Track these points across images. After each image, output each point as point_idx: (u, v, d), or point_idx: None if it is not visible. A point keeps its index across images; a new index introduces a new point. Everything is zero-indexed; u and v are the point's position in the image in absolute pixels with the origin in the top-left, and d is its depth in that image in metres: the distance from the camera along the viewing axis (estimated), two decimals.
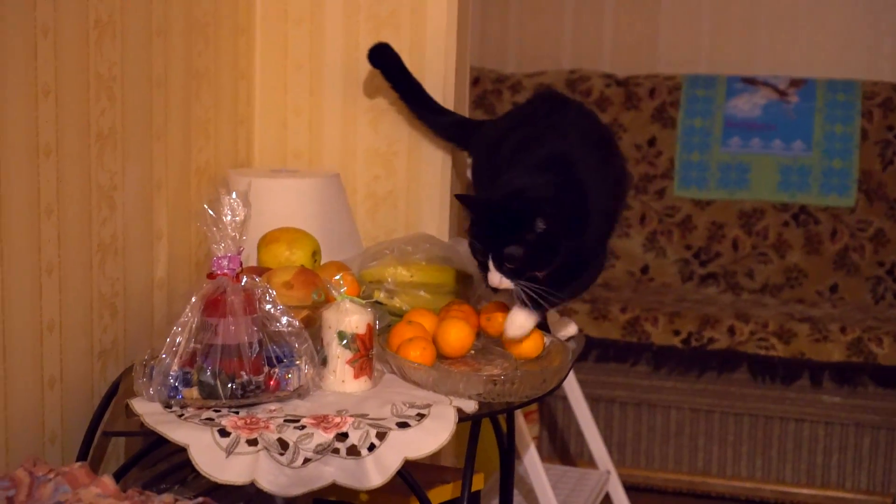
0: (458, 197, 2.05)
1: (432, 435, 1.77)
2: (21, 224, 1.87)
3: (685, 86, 3.97)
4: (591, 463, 3.08)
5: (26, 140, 1.86)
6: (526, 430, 2.58)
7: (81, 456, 1.94)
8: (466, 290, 2.22)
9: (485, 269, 1.97)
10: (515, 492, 2.51)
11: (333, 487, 1.77)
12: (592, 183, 2.04)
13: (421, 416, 1.79)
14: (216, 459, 1.71)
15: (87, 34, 1.99)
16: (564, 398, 3.33)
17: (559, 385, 2.00)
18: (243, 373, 1.83)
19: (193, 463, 1.72)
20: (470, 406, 1.85)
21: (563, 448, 3.51)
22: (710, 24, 4.17)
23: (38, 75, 1.88)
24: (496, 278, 1.95)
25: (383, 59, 2.43)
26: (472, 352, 2.04)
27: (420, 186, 2.52)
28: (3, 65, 1.79)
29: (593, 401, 3.36)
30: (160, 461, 2.13)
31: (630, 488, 3.06)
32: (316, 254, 2.17)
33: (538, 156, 2.07)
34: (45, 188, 1.91)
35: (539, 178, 2.00)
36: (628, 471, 3.40)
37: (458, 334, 1.99)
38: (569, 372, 2.04)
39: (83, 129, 2.00)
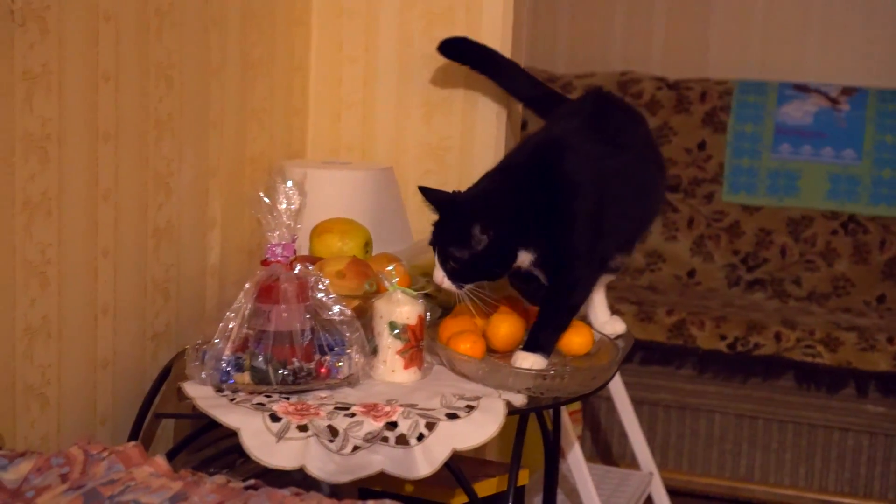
0: (421, 189, 1.98)
1: (481, 427, 1.77)
2: (79, 208, 1.89)
3: (736, 91, 3.95)
4: (633, 464, 3.08)
5: (86, 125, 1.89)
6: (571, 428, 2.58)
7: (132, 438, 1.96)
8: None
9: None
10: (558, 490, 2.50)
11: (379, 478, 1.78)
12: (577, 199, 1.97)
13: (470, 408, 1.79)
14: (266, 444, 1.72)
15: (148, 22, 2.01)
16: (608, 399, 3.32)
17: (607, 382, 2.00)
18: (295, 359, 1.84)
19: (244, 447, 1.73)
20: (519, 400, 1.85)
21: (605, 449, 3.51)
22: (762, 29, 4.15)
23: (100, 61, 1.90)
24: (439, 275, 1.94)
25: (457, 50, 2.42)
26: (521, 346, 2.03)
27: (471, 182, 2.52)
28: (66, 50, 1.82)
29: (637, 403, 3.35)
30: (208, 446, 2.14)
31: (671, 492, 3.04)
32: (368, 245, 2.19)
33: (514, 159, 2.06)
34: (103, 173, 1.94)
35: (497, 183, 1.98)
36: (670, 474, 3.39)
37: (507, 329, 1.99)
38: (617, 370, 2.03)
39: (142, 116, 2.02)
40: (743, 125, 3.93)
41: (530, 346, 1.95)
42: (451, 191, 1.99)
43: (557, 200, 1.96)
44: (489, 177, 2.01)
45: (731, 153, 3.92)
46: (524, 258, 1.96)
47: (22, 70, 1.73)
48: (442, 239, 1.94)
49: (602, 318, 2.20)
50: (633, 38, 4.26)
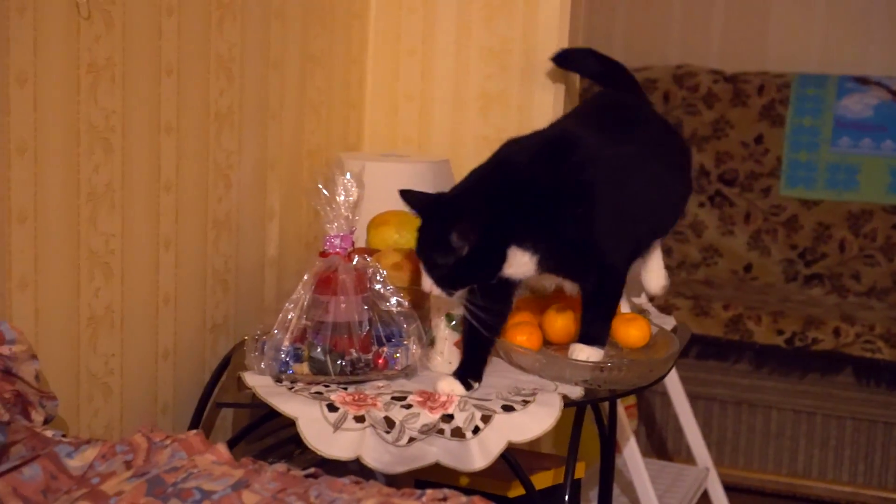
0: (401, 193, 1.86)
1: (537, 420, 1.78)
2: (142, 199, 1.92)
3: (795, 84, 3.91)
4: (688, 460, 3.06)
5: (149, 117, 1.91)
6: (627, 422, 2.57)
7: (192, 427, 1.99)
8: None
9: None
10: (613, 484, 2.50)
11: (434, 469, 1.79)
12: (589, 195, 1.88)
13: (526, 401, 1.80)
14: (323, 433, 1.74)
15: (210, 15, 2.03)
16: (663, 394, 3.31)
17: (665, 375, 2.00)
18: (353, 350, 1.86)
19: (301, 436, 1.74)
20: (575, 392, 1.85)
21: (660, 444, 3.49)
22: (822, 22, 4.10)
23: (162, 55, 1.93)
24: (427, 283, 1.83)
25: (573, 62, 2.44)
26: (576, 339, 2.03)
27: None
28: (129, 43, 1.84)
29: (692, 398, 3.32)
30: (267, 436, 2.17)
31: (727, 487, 3.02)
32: None
33: (507, 156, 1.94)
34: (165, 165, 1.96)
35: (485, 182, 1.87)
36: (726, 470, 3.36)
37: (564, 321, 1.99)
38: (675, 363, 2.03)
39: (203, 109, 2.04)
40: (801, 118, 3.89)
41: (585, 338, 1.92)
42: (434, 192, 1.89)
43: (567, 198, 1.86)
44: (475, 175, 1.89)
45: (788, 147, 3.89)
46: (519, 259, 1.84)
47: (87, 62, 1.76)
48: (424, 245, 1.83)
49: (652, 279, 2.23)
50: (691, 30, 4.23)
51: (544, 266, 1.86)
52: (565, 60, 2.41)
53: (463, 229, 1.78)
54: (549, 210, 1.84)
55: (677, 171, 2.14)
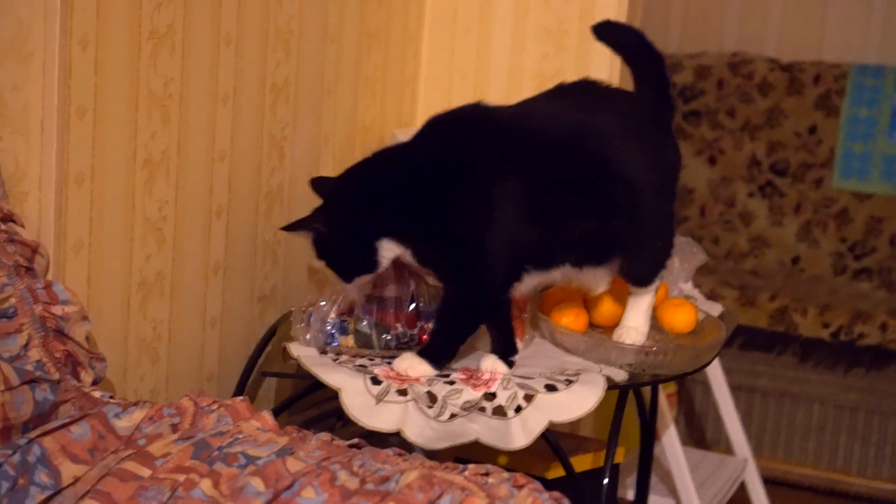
0: (311, 182, 1.87)
1: (580, 400, 1.78)
2: (196, 168, 1.94)
3: (852, 74, 3.87)
4: (727, 451, 3.05)
5: (207, 87, 1.93)
6: (667, 409, 2.57)
7: (237, 395, 2.01)
8: None
9: None
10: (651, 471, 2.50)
11: (474, 448, 1.80)
12: (466, 184, 1.75)
13: (569, 381, 1.80)
14: (366, 405, 1.75)
15: None
16: (704, 383, 3.30)
17: (710, 362, 1.99)
18: (398, 325, 1.87)
19: (344, 407, 1.76)
20: (620, 375, 1.86)
21: (699, 434, 3.48)
22: (881, 12, 4.05)
23: (222, 24, 1.94)
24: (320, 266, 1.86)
25: (613, 38, 2.06)
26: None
27: None
28: (190, 12, 1.86)
29: (734, 389, 3.31)
30: (309, 408, 2.19)
31: (766, 480, 3.01)
32: None
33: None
34: (220, 134, 1.98)
35: (362, 165, 1.83)
36: (765, 462, 3.35)
37: (610, 304, 1.99)
38: (720, 350, 2.02)
39: (260, 80, 2.06)
40: (858, 109, 3.85)
41: (422, 349, 1.82)
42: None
43: (439, 184, 1.75)
44: (370, 160, 1.84)
45: (844, 137, 3.85)
46: (394, 251, 1.78)
47: (149, 30, 1.78)
48: (321, 251, 1.83)
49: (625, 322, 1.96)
50: (749, 17, 4.19)
51: (420, 260, 1.79)
52: (606, 33, 2.05)
53: (323, 212, 1.77)
54: (419, 197, 1.75)
55: (640, 192, 1.82)
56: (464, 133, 1.79)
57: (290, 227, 1.82)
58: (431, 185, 1.75)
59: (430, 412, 1.75)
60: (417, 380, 1.78)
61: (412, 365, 1.79)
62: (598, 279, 1.89)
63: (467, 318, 1.82)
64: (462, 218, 1.75)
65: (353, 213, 1.77)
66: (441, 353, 1.81)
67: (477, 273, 1.77)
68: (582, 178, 1.79)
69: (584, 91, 1.90)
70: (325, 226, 1.78)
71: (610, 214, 1.81)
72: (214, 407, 1.57)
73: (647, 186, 1.82)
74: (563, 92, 1.90)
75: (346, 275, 1.81)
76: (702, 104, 3.94)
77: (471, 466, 1.49)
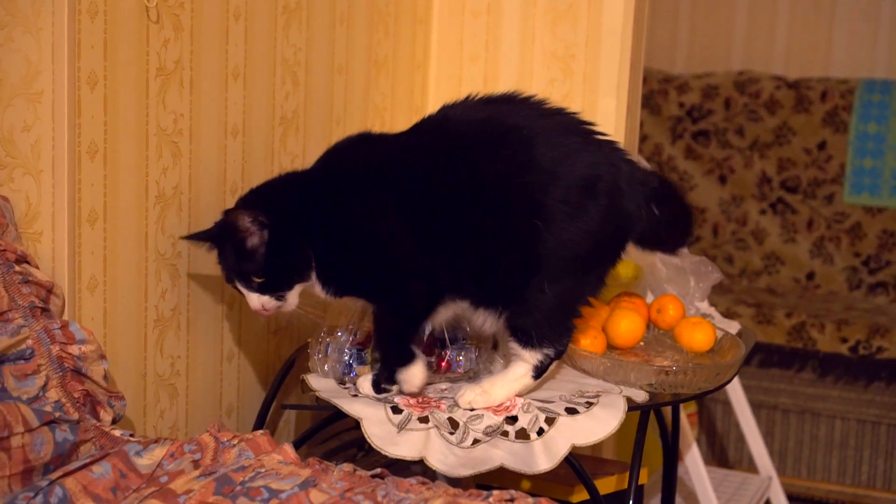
0: (186, 238, 1.83)
1: (601, 423, 1.77)
2: (209, 202, 1.94)
3: (860, 90, 3.87)
4: (750, 469, 3.03)
5: (216, 121, 1.93)
6: (689, 429, 2.55)
7: (257, 428, 2.00)
8: (637, 281, 2.21)
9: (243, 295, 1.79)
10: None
11: (496, 474, 1.78)
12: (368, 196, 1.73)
13: (590, 404, 1.79)
14: (388, 434, 1.74)
15: (276, 19, 2.05)
16: (724, 402, 3.29)
17: (731, 379, 1.98)
18: None
19: (366, 436, 1.75)
20: (640, 396, 1.84)
21: (721, 453, 3.46)
22: (888, 27, 4.05)
23: (229, 58, 1.94)
24: (255, 302, 1.75)
25: None
26: (642, 343, 2.02)
27: None
28: (198, 47, 1.86)
29: (755, 406, 3.30)
30: (329, 439, 2.17)
31: (790, 497, 2.99)
32: None
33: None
34: (231, 168, 1.98)
35: (285, 176, 1.83)
36: (789, 480, 3.33)
37: (629, 325, 1.98)
38: (740, 367, 2.01)
39: (269, 112, 2.06)
40: (866, 125, 3.84)
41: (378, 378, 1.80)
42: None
43: (345, 195, 1.74)
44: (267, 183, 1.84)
45: (853, 153, 3.84)
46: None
47: (157, 66, 1.78)
48: (230, 265, 1.75)
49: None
50: (755, 36, 4.19)
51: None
52: None
53: (257, 212, 1.69)
54: (335, 209, 1.74)
55: (553, 208, 1.71)
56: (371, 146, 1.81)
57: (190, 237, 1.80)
58: (345, 194, 1.74)
59: (453, 438, 1.74)
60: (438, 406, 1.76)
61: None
62: (488, 322, 1.79)
63: (392, 333, 1.77)
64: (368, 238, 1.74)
65: (294, 215, 1.74)
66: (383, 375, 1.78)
67: (396, 289, 1.74)
68: (479, 205, 1.72)
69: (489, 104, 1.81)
70: (263, 220, 1.71)
71: (501, 244, 1.72)
72: (235, 441, 1.56)
73: (550, 224, 1.70)
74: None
75: (284, 286, 1.75)
76: (710, 124, 3.93)
77: (495, 493, 1.48)
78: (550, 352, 1.78)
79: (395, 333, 1.77)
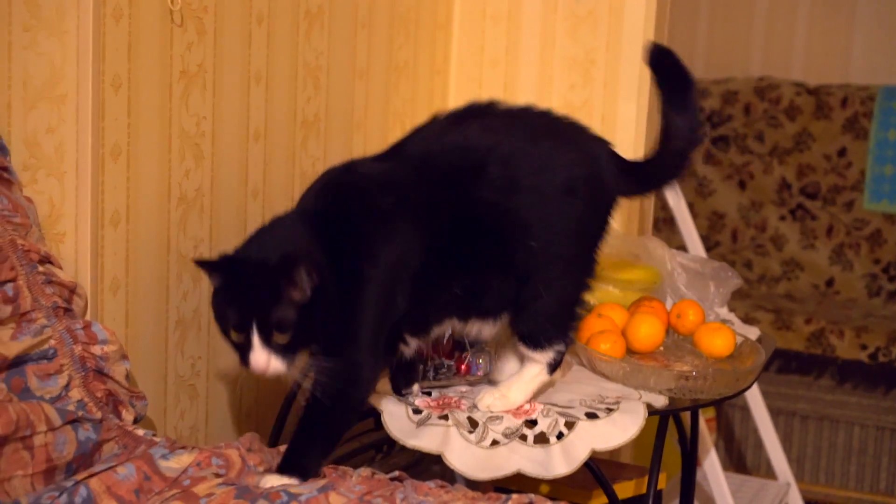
0: (198, 263, 1.61)
1: (621, 428, 1.76)
2: (230, 205, 1.95)
3: (880, 97, 3.86)
4: (768, 475, 3.02)
5: (238, 124, 1.94)
6: (707, 434, 2.55)
7: (275, 430, 2.01)
8: (656, 286, 2.21)
9: (245, 350, 1.55)
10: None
11: (514, 477, 1.78)
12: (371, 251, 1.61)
13: (610, 409, 1.79)
14: (408, 427, 1.74)
15: (298, 24, 2.06)
16: (743, 408, 3.28)
17: (751, 385, 1.97)
18: (435, 356, 1.86)
19: (386, 428, 1.74)
20: (660, 401, 1.84)
21: (739, 459, 3.45)
22: None
23: (251, 63, 1.96)
24: (262, 359, 1.53)
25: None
26: (662, 348, 2.02)
27: None
28: (221, 51, 1.87)
29: (773, 412, 3.29)
30: (349, 440, 2.18)
31: None
32: None
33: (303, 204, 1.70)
34: (252, 171, 1.99)
35: (296, 223, 1.64)
36: (807, 486, 3.32)
37: (648, 330, 1.98)
38: (760, 373, 2.00)
39: (290, 116, 2.07)
40: (886, 132, 3.83)
41: (283, 462, 1.57)
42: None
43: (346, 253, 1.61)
44: (282, 222, 1.65)
45: (873, 160, 3.83)
46: None
47: (180, 69, 1.79)
48: (250, 312, 1.53)
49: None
50: (774, 42, 4.19)
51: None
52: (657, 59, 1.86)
53: (305, 267, 1.52)
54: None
55: (529, 246, 1.70)
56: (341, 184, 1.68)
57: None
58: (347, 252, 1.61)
59: (472, 437, 1.74)
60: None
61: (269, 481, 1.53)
62: (485, 331, 1.78)
63: (338, 414, 1.62)
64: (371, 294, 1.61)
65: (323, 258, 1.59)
66: (307, 462, 1.58)
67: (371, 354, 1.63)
68: (463, 228, 1.68)
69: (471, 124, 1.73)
70: (311, 273, 1.55)
71: (494, 267, 1.70)
72: (262, 469, 1.57)
73: (541, 238, 1.69)
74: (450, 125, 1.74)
75: (309, 340, 1.58)
76: (730, 129, 3.93)
77: (514, 497, 1.48)
78: (561, 347, 1.78)
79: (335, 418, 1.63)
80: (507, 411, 1.77)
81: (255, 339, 1.52)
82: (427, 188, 1.67)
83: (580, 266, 1.79)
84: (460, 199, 1.68)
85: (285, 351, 1.53)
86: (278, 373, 1.54)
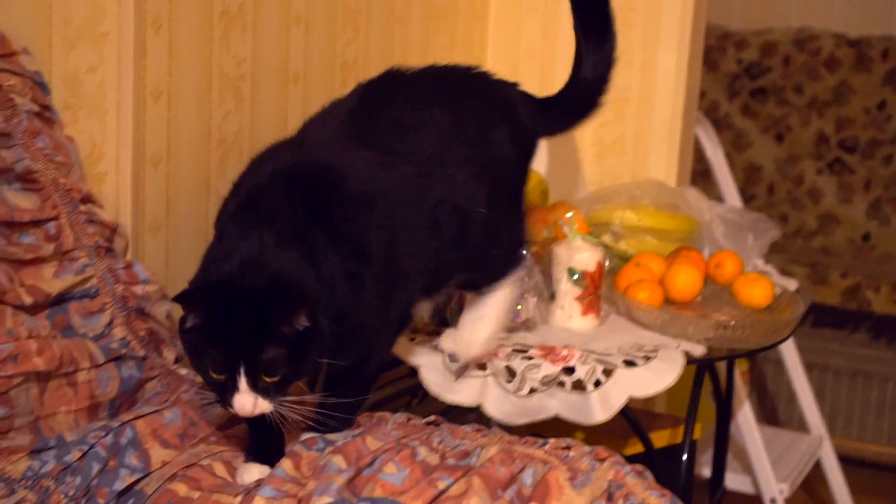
0: (175, 299, 1.37)
1: (659, 375, 1.76)
2: None
3: None
4: (800, 429, 3.02)
5: (278, 67, 1.93)
6: (742, 387, 2.54)
7: (310, 378, 2.01)
8: (694, 236, 2.20)
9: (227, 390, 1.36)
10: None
11: (550, 425, 1.79)
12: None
13: (648, 357, 1.78)
14: (445, 381, 1.74)
15: None
16: (776, 362, 3.27)
17: (789, 336, 1.96)
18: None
19: (423, 384, 1.75)
20: (698, 350, 1.84)
21: (771, 413, 3.45)
22: None
23: (291, 4, 1.94)
24: (248, 402, 1.35)
25: None
26: (699, 298, 2.01)
27: (649, 133, 2.50)
28: None
29: (807, 367, 3.27)
30: (383, 387, 2.19)
31: (840, 458, 2.97)
32: (545, 193, 2.19)
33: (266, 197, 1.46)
34: (291, 114, 1.99)
35: (276, 237, 1.39)
36: (839, 441, 3.30)
37: (687, 279, 1.97)
38: (798, 324, 1.99)
39: (329, 59, 2.06)
40: None
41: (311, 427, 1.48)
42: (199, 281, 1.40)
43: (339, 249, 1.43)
44: (245, 231, 1.40)
45: None
46: None
47: (220, 10, 1.78)
48: (241, 349, 1.34)
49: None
50: None
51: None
52: None
53: (304, 297, 1.36)
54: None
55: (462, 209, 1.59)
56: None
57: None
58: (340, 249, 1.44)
59: (510, 387, 1.74)
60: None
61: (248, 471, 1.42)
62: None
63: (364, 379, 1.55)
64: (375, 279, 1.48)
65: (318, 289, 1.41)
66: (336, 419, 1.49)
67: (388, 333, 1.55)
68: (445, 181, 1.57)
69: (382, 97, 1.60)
70: (312, 312, 1.39)
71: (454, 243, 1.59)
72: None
73: (488, 202, 1.60)
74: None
75: (300, 375, 1.43)
76: (768, 81, 3.89)
77: (551, 440, 1.48)
78: (514, 268, 1.70)
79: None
80: (542, 353, 1.75)
81: (242, 383, 1.34)
82: (384, 171, 1.51)
83: (519, 210, 1.72)
84: (428, 183, 1.55)
85: (275, 390, 1.37)
86: (266, 412, 1.37)
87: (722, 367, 2.33)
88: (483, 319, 1.72)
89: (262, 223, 1.39)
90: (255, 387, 1.35)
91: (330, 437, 1.47)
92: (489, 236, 1.64)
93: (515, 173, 1.72)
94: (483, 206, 1.60)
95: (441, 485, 1.34)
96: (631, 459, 2.05)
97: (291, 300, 1.34)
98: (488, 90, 1.70)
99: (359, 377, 1.53)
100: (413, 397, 2.19)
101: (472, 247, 1.61)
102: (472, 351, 1.72)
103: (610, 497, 1.35)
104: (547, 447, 1.46)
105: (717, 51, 3.97)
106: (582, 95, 1.79)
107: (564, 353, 1.78)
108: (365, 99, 1.58)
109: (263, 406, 1.36)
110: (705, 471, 2.53)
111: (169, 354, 1.60)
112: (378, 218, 1.47)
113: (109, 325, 1.54)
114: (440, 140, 1.57)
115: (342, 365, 1.45)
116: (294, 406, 1.39)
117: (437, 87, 1.64)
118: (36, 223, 1.51)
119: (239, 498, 1.34)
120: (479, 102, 1.66)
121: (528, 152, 1.75)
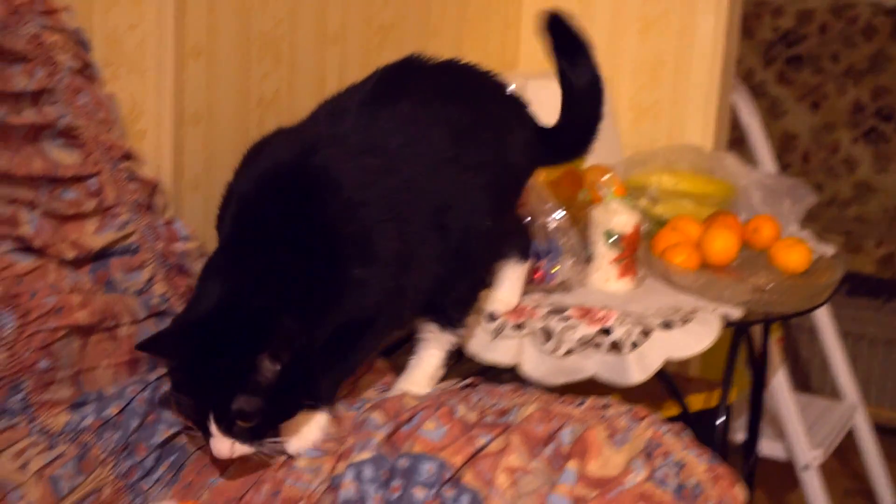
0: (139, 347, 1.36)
1: (696, 338, 1.76)
2: (308, 108, 1.94)
3: None
4: (833, 397, 3.01)
5: (315, 27, 1.93)
6: (776, 353, 2.54)
7: None
8: (730, 202, 2.19)
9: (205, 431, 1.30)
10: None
11: (586, 386, 1.79)
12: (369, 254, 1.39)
13: (685, 320, 1.78)
14: (483, 341, 1.75)
15: None
16: (809, 330, 3.25)
17: (826, 301, 1.96)
18: None
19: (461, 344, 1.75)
20: (735, 313, 1.83)
21: (804, 381, 3.44)
22: None
23: None
24: (225, 447, 1.28)
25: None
26: (736, 262, 2.00)
27: (686, 98, 2.49)
28: None
29: (841, 335, 3.26)
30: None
31: (873, 427, 2.96)
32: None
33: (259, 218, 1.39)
34: (329, 75, 1.99)
35: (253, 272, 1.32)
36: (873, 410, 3.28)
37: (723, 243, 1.96)
38: (835, 290, 1.98)
39: (366, 20, 2.06)
40: None
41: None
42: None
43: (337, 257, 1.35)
44: (227, 263, 1.35)
45: None
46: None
47: None
48: (207, 398, 1.28)
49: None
50: None
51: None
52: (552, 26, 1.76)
53: (278, 345, 1.27)
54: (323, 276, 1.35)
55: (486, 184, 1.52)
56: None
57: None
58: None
59: (546, 347, 1.74)
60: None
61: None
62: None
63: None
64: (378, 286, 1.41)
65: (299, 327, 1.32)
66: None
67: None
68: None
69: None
70: (285, 350, 1.30)
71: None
72: None
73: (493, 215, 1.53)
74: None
75: (283, 419, 1.34)
76: (804, 49, 3.85)
77: (589, 399, 1.48)
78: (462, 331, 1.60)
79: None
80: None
81: (214, 429, 1.28)
82: (384, 176, 1.42)
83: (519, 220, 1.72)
84: (436, 197, 1.46)
85: (253, 434, 1.29)
86: (247, 453, 1.31)
87: (757, 332, 2.32)
88: (513, 280, 1.75)
89: (246, 252, 1.33)
90: (230, 432, 1.28)
91: (367, 396, 1.48)
92: (490, 247, 1.60)
93: (521, 182, 1.66)
94: (489, 215, 1.52)
95: (480, 441, 1.34)
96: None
97: (256, 346, 1.26)
98: (506, 95, 1.67)
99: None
100: (450, 357, 2.20)
101: (471, 257, 1.53)
102: (511, 304, 1.75)
103: (648, 455, 1.35)
104: (585, 406, 1.47)
105: (753, 18, 3.94)
106: (574, 135, 1.75)
107: (602, 314, 1.78)
108: (380, 88, 1.51)
109: (242, 449, 1.29)
110: (737, 436, 2.53)
111: None
112: (372, 227, 1.38)
113: (150, 281, 1.55)
114: (455, 140, 1.49)
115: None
116: (277, 447, 1.32)
117: (456, 82, 1.60)
118: (78, 179, 1.51)
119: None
120: (497, 104, 1.63)
121: (535, 166, 1.70)
